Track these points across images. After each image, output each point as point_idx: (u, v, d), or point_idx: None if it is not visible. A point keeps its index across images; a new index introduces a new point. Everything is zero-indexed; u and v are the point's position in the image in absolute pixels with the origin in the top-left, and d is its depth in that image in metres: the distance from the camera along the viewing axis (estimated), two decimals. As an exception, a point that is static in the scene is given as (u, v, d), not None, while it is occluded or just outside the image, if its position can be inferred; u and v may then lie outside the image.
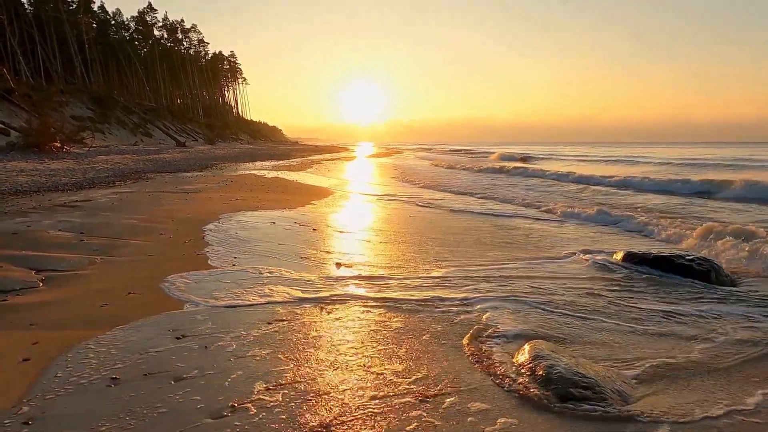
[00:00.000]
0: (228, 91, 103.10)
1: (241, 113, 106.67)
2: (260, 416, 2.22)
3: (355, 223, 7.81)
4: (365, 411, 2.29)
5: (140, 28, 72.51)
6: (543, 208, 10.07)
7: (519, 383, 2.60)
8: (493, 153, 43.80)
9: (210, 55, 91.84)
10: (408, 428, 2.17)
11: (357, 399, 2.40)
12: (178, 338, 3.07)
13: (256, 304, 3.74)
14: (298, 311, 3.63)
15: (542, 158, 34.90)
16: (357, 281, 4.48)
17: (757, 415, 2.35)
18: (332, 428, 2.15)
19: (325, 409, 2.30)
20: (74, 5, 55.51)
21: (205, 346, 2.96)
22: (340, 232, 6.92)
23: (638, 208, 10.34)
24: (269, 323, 3.35)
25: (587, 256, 5.47)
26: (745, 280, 4.63)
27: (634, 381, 2.67)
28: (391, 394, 2.46)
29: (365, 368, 2.73)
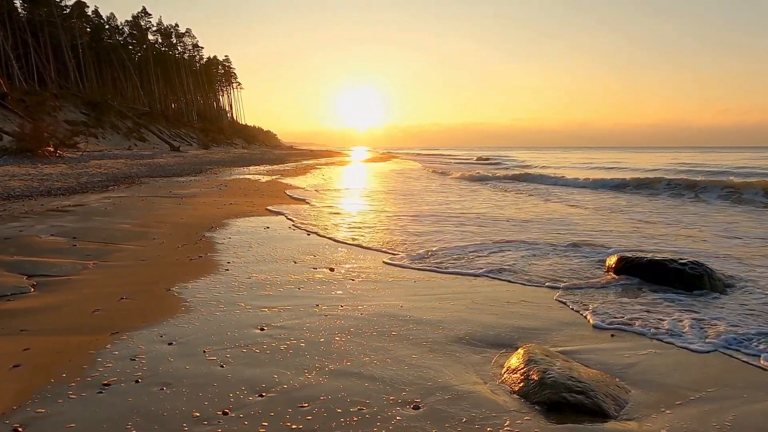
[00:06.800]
0: (222, 95, 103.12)
1: (235, 118, 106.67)
2: (250, 422, 2.21)
3: (350, 227, 7.80)
4: (353, 416, 2.29)
5: (134, 32, 72.48)
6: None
7: (513, 387, 2.60)
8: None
9: (204, 60, 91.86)
10: (401, 433, 2.17)
11: (346, 405, 2.39)
12: (169, 344, 3.05)
13: (248, 310, 3.73)
14: (291, 316, 3.62)
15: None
16: (351, 285, 4.48)
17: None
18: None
19: (316, 414, 2.29)
20: (68, 10, 55.42)
21: (196, 352, 2.94)
22: (334, 236, 6.91)
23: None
24: (261, 329, 3.34)
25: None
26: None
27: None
28: (379, 397, 2.45)
29: (356, 375, 2.72)
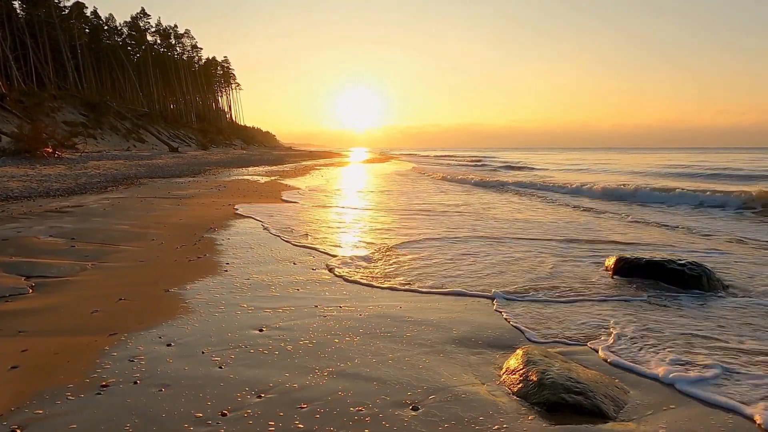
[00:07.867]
0: (221, 96, 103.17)
1: (234, 119, 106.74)
2: (250, 423, 2.20)
3: (348, 228, 7.80)
4: (353, 417, 2.28)
5: (133, 33, 72.48)
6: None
7: (511, 388, 2.60)
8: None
9: (203, 61, 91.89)
10: (400, 434, 2.17)
11: (346, 406, 2.39)
12: (168, 345, 3.05)
13: (248, 310, 3.72)
14: (290, 317, 3.61)
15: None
16: (350, 286, 4.47)
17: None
18: (324, 435, 2.14)
19: (316, 415, 2.29)
20: (67, 10, 55.39)
21: (195, 353, 2.94)
22: (333, 237, 6.91)
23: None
24: (261, 330, 3.34)
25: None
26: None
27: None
28: (379, 398, 2.45)
29: (355, 376, 2.72)
